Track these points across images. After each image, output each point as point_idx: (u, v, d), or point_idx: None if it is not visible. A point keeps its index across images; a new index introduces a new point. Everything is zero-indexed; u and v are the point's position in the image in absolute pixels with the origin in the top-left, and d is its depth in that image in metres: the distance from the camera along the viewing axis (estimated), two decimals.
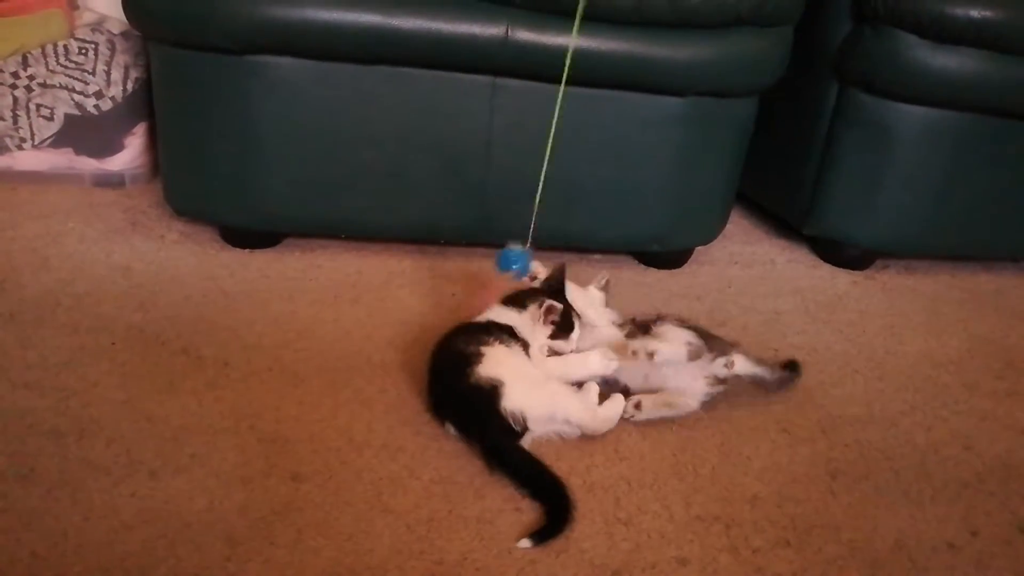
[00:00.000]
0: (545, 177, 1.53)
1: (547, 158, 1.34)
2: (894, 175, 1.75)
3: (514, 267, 1.31)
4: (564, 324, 1.19)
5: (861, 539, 0.98)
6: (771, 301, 1.65)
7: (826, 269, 1.87)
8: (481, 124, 1.49)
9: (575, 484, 1.02)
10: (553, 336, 1.18)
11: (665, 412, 1.17)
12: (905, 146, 1.72)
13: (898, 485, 1.09)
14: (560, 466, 1.04)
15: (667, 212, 1.64)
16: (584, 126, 1.52)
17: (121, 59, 1.74)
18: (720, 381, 1.19)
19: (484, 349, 1.10)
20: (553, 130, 1.34)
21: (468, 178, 1.53)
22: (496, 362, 1.08)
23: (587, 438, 1.10)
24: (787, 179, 1.90)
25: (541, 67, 1.43)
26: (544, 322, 1.18)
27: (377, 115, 1.46)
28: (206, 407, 1.09)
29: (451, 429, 1.07)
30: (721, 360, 1.18)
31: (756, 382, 1.24)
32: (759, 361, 1.23)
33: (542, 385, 1.09)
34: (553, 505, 0.96)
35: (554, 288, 1.25)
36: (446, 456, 1.05)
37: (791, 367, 1.31)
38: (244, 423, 1.07)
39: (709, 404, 1.19)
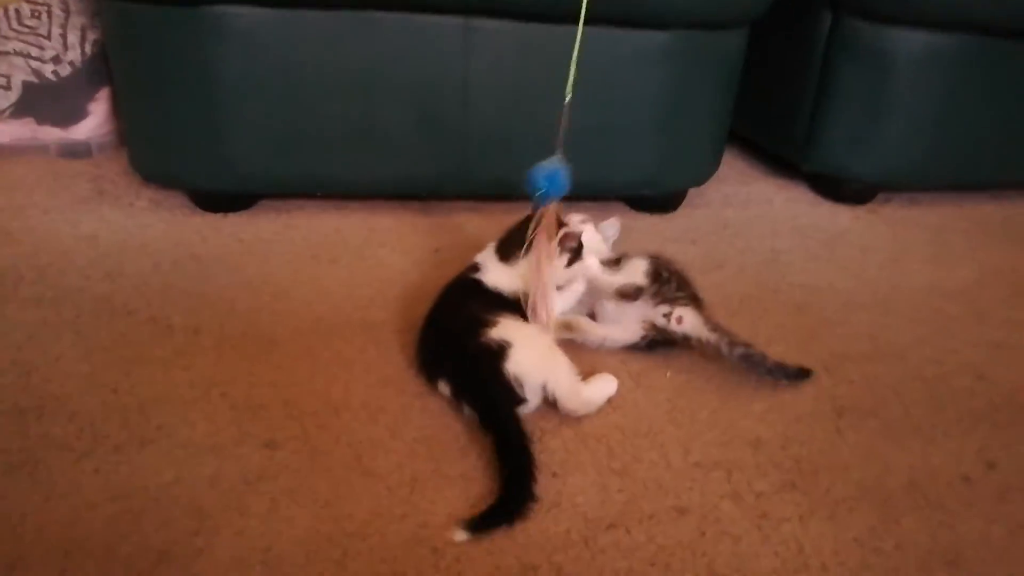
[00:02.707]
0: (525, 123, 1.47)
1: (568, 99, 1.19)
2: (894, 104, 1.67)
3: (543, 189, 1.05)
4: (578, 248, 1.13)
5: (871, 478, 0.93)
6: (769, 241, 1.58)
7: (826, 206, 1.80)
8: (456, 68, 1.41)
9: (566, 436, 0.97)
10: (570, 263, 1.12)
11: (567, 335, 1.12)
12: (904, 73, 1.63)
13: (908, 421, 1.04)
14: (551, 417, 0.99)
15: (657, 154, 1.57)
16: (564, 66, 1.44)
17: (76, 21, 1.66)
18: (658, 330, 1.11)
19: (500, 319, 1.02)
20: (573, 70, 1.21)
21: (445, 127, 1.45)
22: (508, 328, 1.01)
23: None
24: (782, 114, 1.82)
25: (515, 3, 1.34)
26: (562, 251, 1.10)
27: (345, 64, 1.38)
28: (175, 377, 1.04)
29: (444, 388, 1.00)
30: (663, 308, 1.11)
31: (710, 350, 1.09)
32: (716, 327, 1.09)
33: (548, 355, 1.01)
34: (509, 493, 0.86)
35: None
36: (429, 415, 0.99)
37: (790, 370, 1.09)
38: (215, 391, 1.01)
39: (645, 348, 1.14)
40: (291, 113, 1.41)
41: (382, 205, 1.60)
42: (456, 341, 1.01)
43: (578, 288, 1.14)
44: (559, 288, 1.11)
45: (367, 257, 1.39)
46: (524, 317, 1.07)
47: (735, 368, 1.08)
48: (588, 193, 1.65)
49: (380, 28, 1.36)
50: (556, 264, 1.09)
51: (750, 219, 1.68)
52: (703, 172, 1.68)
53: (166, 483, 0.86)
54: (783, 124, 1.82)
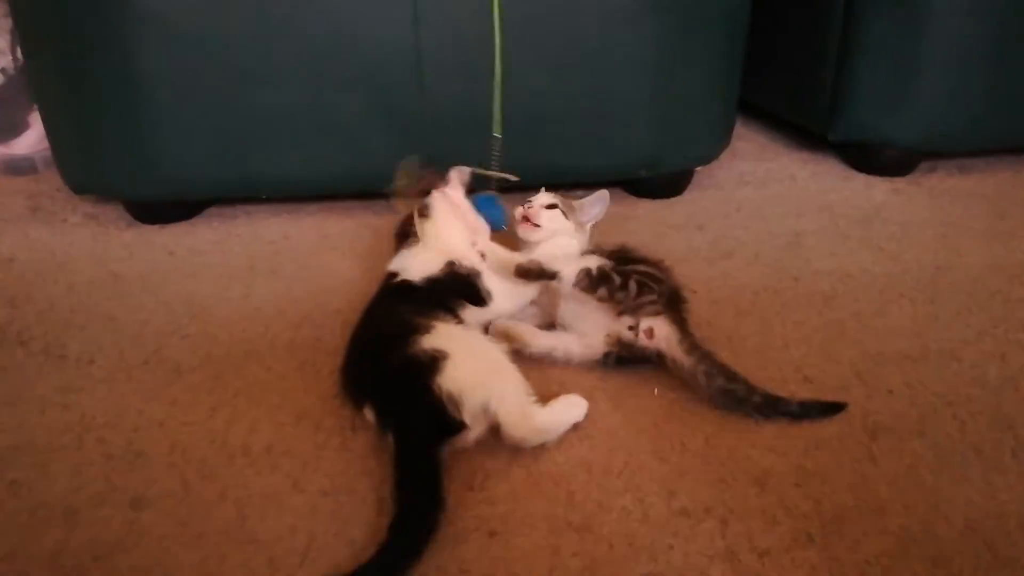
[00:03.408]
0: (490, 100, 1.26)
1: (498, 72, 1.05)
2: (932, 54, 1.42)
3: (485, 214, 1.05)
4: None
5: (916, 524, 0.70)
6: (791, 222, 1.35)
7: (860, 179, 1.55)
8: (406, 41, 1.21)
9: (516, 478, 0.76)
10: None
11: (515, 346, 0.91)
12: (943, 14, 1.39)
13: (965, 440, 0.80)
14: (499, 454, 0.78)
15: (652, 128, 1.35)
16: (538, 29, 1.24)
17: (4, 24, 1.51)
18: (624, 346, 0.89)
19: (436, 322, 0.83)
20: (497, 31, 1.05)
21: (400, 110, 1.26)
22: (446, 335, 0.82)
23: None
24: (802, 76, 1.59)
25: None
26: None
27: (280, 44, 1.20)
28: (50, 419, 0.86)
29: (369, 415, 0.80)
30: (627, 320, 0.88)
31: (685, 376, 0.85)
32: (693, 347, 0.85)
33: (493, 368, 0.80)
34: (398, 544, 0.66)
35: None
36: (346, 458, 0.79)
37: (790, 407, 0.83)
38: (92, 435, 0.83)
39: (614, 366, 0.91)
40: (223, 104, 1.23)
41: (339, 206, 1.41)
42: (382, 353, 0.81)
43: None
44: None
45: (312, 266, 1.20)
46: (474, 302, 0.92)
47: (714, 404, 0.84)
48: (578, 179, 1.44)
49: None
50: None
51: (769, 199, 1.45)
52: (710, 148, 1.45)
53: None
54: (804, 88, 1.59)
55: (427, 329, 0.80)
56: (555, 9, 1.22)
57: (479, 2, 1.20)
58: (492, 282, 0.94)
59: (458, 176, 1.04)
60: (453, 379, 0.76)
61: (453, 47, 1.22)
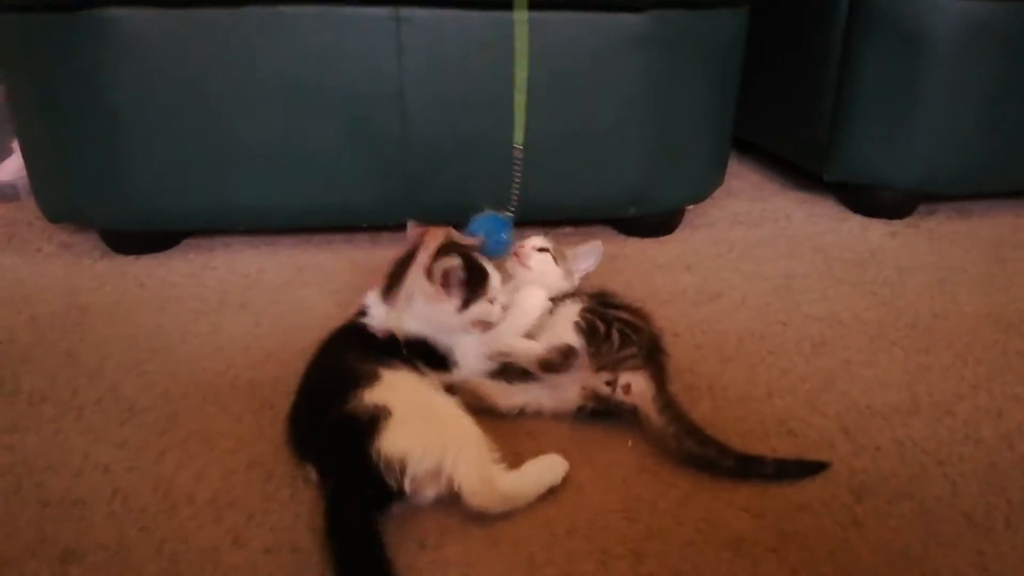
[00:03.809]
0: (474, 132, 1.23)
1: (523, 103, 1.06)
2: (933, 93, 1.39)
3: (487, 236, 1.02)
4: (475, 278, 0.86)
5: None
6: (783, 264, 1.31)
7: (856, 221, 1.51)
8: (388, 71, 1.19)
9: (474, 538, 0.71)
10: (468, 301, 0.85)
11: (479, 405, 0.84)
12: (944, 53, 1.36)
13: (956, 505, 0.75)
14: (459, 508, 0.73)
15: (642, 165, 1.32)
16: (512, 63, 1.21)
17: None
18: (600, 399, 0.84)
19: (384, 371, 0.77)
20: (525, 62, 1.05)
21: (381, 140, 1.23)
22: (392, 388, 0.76)
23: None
24: (799, 114, 1.56)
25: None
26: (449, 292, 0.84)
27: (258, 71, 1.18)
28: None
29: (313, 475, 0.76)
30: (604, 376, 0.83)
31: (656, 436, 0.81)
32: (667, 405, 0.80)
33: (444, 425, 0.74)
34: None
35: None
36: (295, 511, 0.74)
37: (765, 467, 0.78)
38: (31, 480, 0.79)
39: (585, 417, 0.86)
40: (200, 134, 1.20)
41: (321, 239, 1.38)
42: (322, 408, 0.77)
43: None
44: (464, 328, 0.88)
45: (284, 301, 1.17)
46: (429, 364, 0.85)
47: (685, 465, 0.79)
48: (565, 216, 1.41)
49: (296, 27, 1.16)
50: (443, 307, 0.84)
51: (761, 239, 1.41)
52: (702, 186, 1.42)
53: None
54: (801, 127, 1.55)
55: (371, 380, 0.75)
56: (542, 42, 1.19)
57: (463, 31, 1.17)
58: (462, 348, 0.88)
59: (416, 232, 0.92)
60: (394, 442, 0.70)
61: (437, 77, 1.19)
